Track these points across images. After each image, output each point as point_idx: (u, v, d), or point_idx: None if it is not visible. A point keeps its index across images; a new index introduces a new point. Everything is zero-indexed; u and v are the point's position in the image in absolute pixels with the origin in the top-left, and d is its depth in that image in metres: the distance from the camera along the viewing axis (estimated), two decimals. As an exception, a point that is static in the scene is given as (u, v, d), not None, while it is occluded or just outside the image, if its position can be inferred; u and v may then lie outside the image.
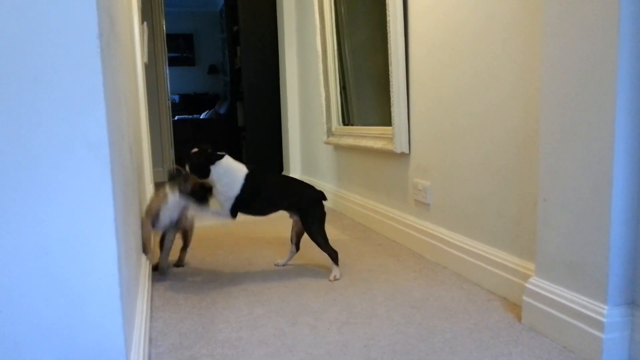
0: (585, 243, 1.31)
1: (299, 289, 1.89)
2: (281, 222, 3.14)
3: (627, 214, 1.25)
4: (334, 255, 2.03)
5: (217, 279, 2.04)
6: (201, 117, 7.40)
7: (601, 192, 1.26)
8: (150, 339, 1.50)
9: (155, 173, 4.06)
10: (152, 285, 1.98)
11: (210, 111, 7.37)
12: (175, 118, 6.86)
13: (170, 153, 5.63)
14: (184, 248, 2.28)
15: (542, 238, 1.46)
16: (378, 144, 2.66)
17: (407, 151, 2.42)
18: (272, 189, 2.05)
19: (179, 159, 2.14)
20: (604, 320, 1.25)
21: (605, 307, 1.26)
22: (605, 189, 1.25)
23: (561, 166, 1.37)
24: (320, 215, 2.02)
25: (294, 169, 4.43)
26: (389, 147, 2.51)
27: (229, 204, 1.98)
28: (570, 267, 1.37)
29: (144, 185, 2.88)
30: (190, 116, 7.75)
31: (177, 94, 9.01)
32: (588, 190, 1.29)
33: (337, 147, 3.44)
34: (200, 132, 6.72)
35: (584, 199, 1.31)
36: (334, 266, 2.02)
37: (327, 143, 3.51)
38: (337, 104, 3.44)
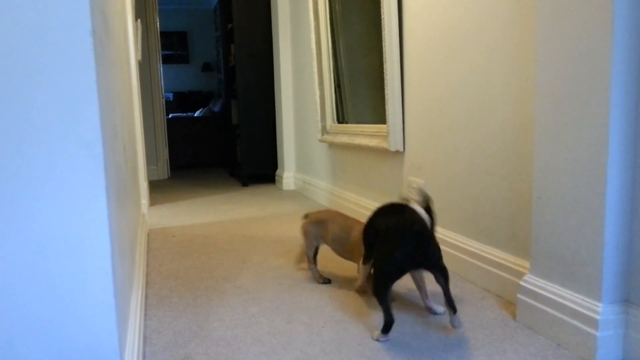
0: (580, 241, 1.32)
1: (294, 287, 1.89)
2: (276, 220, 3.13)
3: (621, 212, 1.25)
4: (386, 322, 1.42)
5: (211, 277, 2.03)
6: (195, 115, 7.38)
7: (595, 190, 1.26)
8: (145, 337, 1.50)
9: (149, 171, 4.04)
10: (147, 284, 1.97)
11: (205, 109, 7.35)
12: (169, 116, 6.83)
13: (164, 151, 5.62)
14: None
15: (537, 236, 1.46)
16: (373, 142, 2.66)
17: (401, 149, 2.42)
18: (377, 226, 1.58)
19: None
20: (598, 317, 1.26)
21: (600, 304, 1.27)
22: (600, 187, 1.25)
23: (555, 164, 1.37)
24: (390, 260, 1.43)
25: (289, 167, 4.42)
26: (384, 145, 2.51)
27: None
28: (564, 264, 1.37)
29: (138, 184, 2.86)
30: (184, 114, 7.72)
31: (171, 92, 8.98)
32: (582, 188, 1.30)
33: (332, 145, 3.44)
34: (195, 131, 6.70)
35: (578, 197, 1.31)
36: (381, 331, 1.44)
37: (321, 141, 3.50)
38: (332, 101, 3.43)
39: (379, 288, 1.41)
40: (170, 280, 2.01)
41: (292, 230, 2.81)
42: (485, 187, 1.83)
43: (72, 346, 0.96)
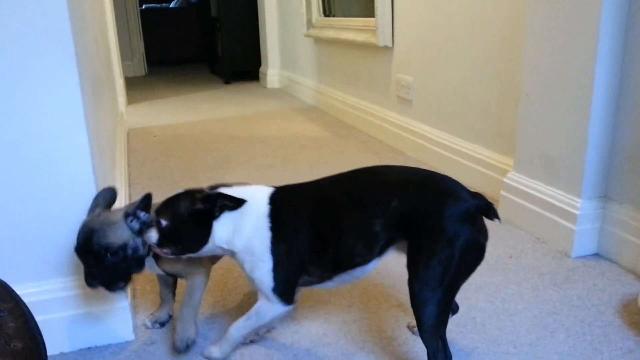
0: (564, 138, 1.36)
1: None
2: (261, 119, 3.14)
3: (606, 110, 1.28)
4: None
5: (195, 177, 2.08)
6: (170, 6, 7.09)
7: (583, 88, 1.28)
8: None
9: (124, 67, 3.96)
10: (129, 184, 2.01)
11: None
12: (143, 7, 6.55)
13: (139, 46, 5.46)
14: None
15: (522, 133, 1.50)
16: (360, 37, 2.61)
17: (390, 45, 2.39)
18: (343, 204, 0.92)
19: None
20: (577, 212, 1.33)
21: (579, 200, 1.33)
22: (587, 84, 1.27)
23: (545, 61, 1.38)
24: (460, 254, 0.85)
25: (273, 64, 4.35)
26: (372, 40, 2.47)
27: (271, 281, 0.93)
28: (547, 161, 1.42)
29: (114, 80, 2.82)
30: (159, 5, 7.41)
31: (144, -19, 8.53)
32: (570, 85, 1.32)
33: (318, 41, 3.37)
34: (171, 23, 6.46)
35: (565, 94, 1.33)
36: None
37: (307, 36, 3.42)
38: (318, -8, 3.32)
39: (446, 306, 0.88)
40: (154, 180, 2.05)
41: (278, 130, 2.83)
42: (474, 84, 1.84)
43: (61, 246, 1.01)
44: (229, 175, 2.09)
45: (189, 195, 0.94)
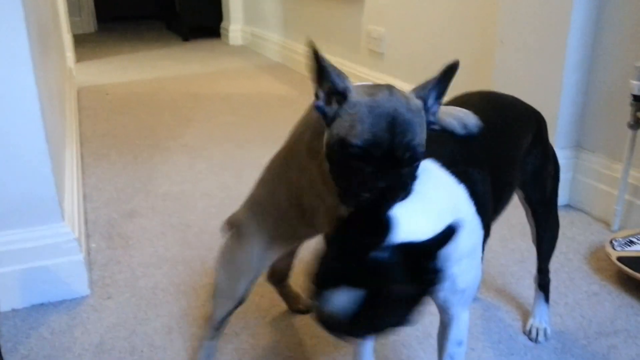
0: (539, 86, 1.41)
1: (244, 144, 1.96)
2: (223, 77, 3.13)
3: (580, 58, 1.33)
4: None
5: (153, 135, 2.08)
6: (122, -44, 6.89)
7: (558, 35, 1.33)
8: (85, 195, 1.56)
9: (72, 23, 3.86)
10: (81, 143, 2.00)
11: (133, -51, 6.85)
12: (91, -43, 6.36)
13: (88, 0, 5.33)
14: None
15: (497, 82, 1.55)
16: (328, -14, 2.61)
17: (360, -7, 2.40)
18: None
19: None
20: (548, 163, 1.39)
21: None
22: (563, 31, 1.31)
23: (520, 6, 1.42)
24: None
25: (235, 18, 4.30)
26: (341, -11, 2.47)
27: (479, 278, 0.75)
28: (521, 112, 1.47)
29: (61, 34, 2.77)
30: (110, -45, 7.19)
31: None
32: (545, 31, 1.36)
33: (283, -9, 3.35)
34: (123, -25, 6.28)
35: (540, 41, 1.38)
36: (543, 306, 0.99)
37: (271, -14, 3.40)
38: (283, -61, 3.28)
39: None
40: (108, 139, 2.04)
41: (241, 88, 2.83)
42: (450, 35, 1.87)
43: (9, 196, 1.01)
44: (189, 134, 2.09)
45: None
